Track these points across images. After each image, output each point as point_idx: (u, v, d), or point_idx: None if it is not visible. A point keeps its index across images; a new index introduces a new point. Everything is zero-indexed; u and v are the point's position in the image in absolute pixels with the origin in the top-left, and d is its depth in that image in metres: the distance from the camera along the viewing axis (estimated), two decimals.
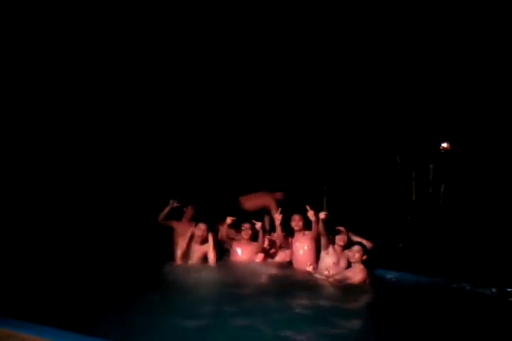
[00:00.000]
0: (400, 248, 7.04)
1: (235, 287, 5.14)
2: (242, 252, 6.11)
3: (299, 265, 5.90)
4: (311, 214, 5.70)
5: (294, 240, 6.03)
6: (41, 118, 7.55)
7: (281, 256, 6.10)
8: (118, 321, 3.81)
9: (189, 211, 6.65)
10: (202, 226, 5.97)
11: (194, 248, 5.97)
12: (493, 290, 5.29)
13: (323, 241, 5.66)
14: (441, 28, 6.89)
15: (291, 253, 6.03)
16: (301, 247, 5.93)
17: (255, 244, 6.06)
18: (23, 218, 6.86)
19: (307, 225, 5.92)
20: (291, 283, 5.36)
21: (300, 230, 5.98)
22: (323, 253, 5.69)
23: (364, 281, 5.31)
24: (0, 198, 6.96)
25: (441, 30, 6.91)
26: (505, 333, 4.25)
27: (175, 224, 6.63)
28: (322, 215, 5.57)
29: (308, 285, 5.29)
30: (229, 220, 6.06)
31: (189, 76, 8.06)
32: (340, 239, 5.65)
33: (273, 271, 5.80)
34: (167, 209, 6.57)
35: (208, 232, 5.96)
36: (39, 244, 6.22)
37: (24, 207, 7.11)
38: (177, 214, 6.73)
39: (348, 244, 5.60)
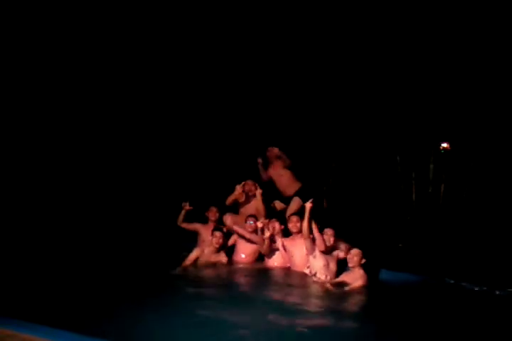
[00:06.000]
0: (400, 248, 7.04)
1: (232, 289, 5.14)
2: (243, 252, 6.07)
3: (297, 268, 5.71)
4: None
5: (289, 243, 5.81)
6: (43, 118, 7.57)
7: (279, 261, 5.93)
8: (118, 321, 3.81)
9: (213, 214, 6.35)
10: (217, 234, 5.89)
11: (209, 256, 5.89)
12: (493, 290, 5.29)
13: (307, 243, 5.46)
14: (441, 28, 6.90)
15: (289, 257, 5.82)
16: (300, 250, 5.68)
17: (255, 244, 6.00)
18: (23, 218, 6.88)
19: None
20: (288, 287, 5.29)
21: (298, 232, 5.69)
22: (310, 258, 5.47)
23: (364, 287, 5.14)
24: (0, 197, 6.98)
25: (441, 30, 6.92)
26: (505, 333, 4.25)
27: (200, 228, 6.35)
28: (308, 204, 5.43)
29: (306, 288, 5.25)
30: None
31: (193, 76, 8.09)
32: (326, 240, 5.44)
33: (271, 274, 5.73)
34: (183, 212, 6.32)
35: (224, 239, 5.93)
36: (39, 244, 6.23)
37: (24, 207, 7.13)
38: (202, 218, 6.46)
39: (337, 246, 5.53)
